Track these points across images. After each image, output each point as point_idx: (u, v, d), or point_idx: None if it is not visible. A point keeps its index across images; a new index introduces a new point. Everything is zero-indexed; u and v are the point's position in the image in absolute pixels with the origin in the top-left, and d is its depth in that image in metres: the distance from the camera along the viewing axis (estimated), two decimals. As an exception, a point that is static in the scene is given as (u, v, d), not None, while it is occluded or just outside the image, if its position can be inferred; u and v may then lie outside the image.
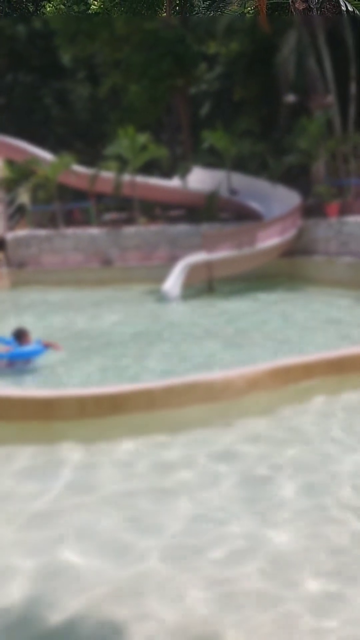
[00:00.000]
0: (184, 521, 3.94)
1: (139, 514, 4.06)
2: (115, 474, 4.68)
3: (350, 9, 16.31)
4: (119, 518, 4.01)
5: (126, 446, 5.07)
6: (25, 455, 5.02)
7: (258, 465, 4.65)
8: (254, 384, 5.80)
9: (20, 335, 7.88)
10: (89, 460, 4.89)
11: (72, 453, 4.96)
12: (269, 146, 17.19)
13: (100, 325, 10.55)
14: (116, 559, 3.56)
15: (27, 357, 7.72)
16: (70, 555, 3.60)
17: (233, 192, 16.88)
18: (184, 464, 4.75)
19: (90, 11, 19.94)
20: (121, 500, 4.25)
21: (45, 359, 7.73)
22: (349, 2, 16.24)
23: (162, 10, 21.23)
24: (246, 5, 17.84)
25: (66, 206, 18.92)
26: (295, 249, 14.59)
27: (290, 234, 14.36)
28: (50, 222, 18.16)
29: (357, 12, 16.33)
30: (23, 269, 16.60)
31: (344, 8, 16.42)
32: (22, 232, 17.79)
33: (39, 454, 5.06)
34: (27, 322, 10.77)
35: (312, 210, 15.07)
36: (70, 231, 17.05)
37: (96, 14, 19.76)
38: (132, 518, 4.01)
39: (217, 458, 4.81)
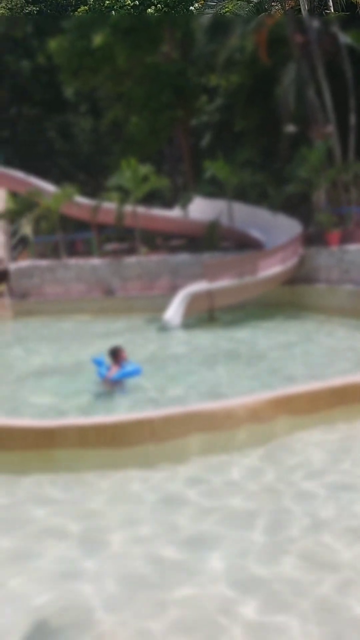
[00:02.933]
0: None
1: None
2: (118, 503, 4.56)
3: (348, 42, 16.65)
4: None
5: (127, 475, 4.96)
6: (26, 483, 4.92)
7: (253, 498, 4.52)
8: (255, 413, 5.69)
9: (116, 354, 7.94)
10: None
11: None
12: (270, 176, 17.32)
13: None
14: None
15: (133, 376, 7.87)
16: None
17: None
18: (183, 495, 4.63)
19: (92, 46, 20.33)
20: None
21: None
22: (347, 36, 16.58)
23: (164, 44, 21.68)
24: (246, 39, 18.18)
25: (68, 237, 19.03)
26: (297, 277, 14.57)
27: (292, 262, 14.35)
28: (53, 252, 18.24)
29: (355, 45, 16.64)
30: (26, 300, 16.61)
31: (342, 41, 16.76)
32: (24, 263, 17.85)
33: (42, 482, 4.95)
34: (42, 351, 10.90)
35: (313, 238, 15.10)
36: (72, 262, 17.10)
37: (99, 48, 20.15)
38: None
39: (215, 489, 4.69)
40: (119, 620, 3.23)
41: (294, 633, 3.05)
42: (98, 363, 8.05)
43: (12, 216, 19.18)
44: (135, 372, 7.89)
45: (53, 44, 21.98)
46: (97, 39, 20.47)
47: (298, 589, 3.39)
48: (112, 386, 7.80)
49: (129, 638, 3.11)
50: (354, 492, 4.51)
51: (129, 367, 7.89)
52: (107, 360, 8.00)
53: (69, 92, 25.95)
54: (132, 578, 3.61)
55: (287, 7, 18.69)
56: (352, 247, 13.82)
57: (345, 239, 14.54)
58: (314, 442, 5.49)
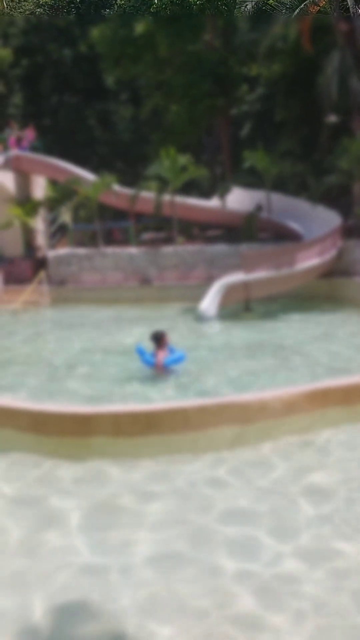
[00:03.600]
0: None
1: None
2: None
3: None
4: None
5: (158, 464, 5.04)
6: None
7: (288, 488, 4.54)
8: (289, 406, 5.69)
9: (159, 339, 7.89)
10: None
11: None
12: (310, 166, 17.13)
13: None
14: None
15: (181, 362, 7.89)
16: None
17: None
18: (213, 484, 4.69)
19: (134, 34, 20.33)
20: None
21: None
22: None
23: (206, 33, 21.53)
24: (289, 27, 17.93)
25: (106, 225, 19.14)
26: (335, 270, 14.41)
27: (330, 255, 14.20)
28: (91, 241, 18.42)
29: None
30: (63, 287, 16.84)
31: (387, 29, 16.39)
32: (63, 251, 18.08)
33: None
34: (86, 337, 11.05)
35: (352, 231, 14.90)
36: (110, 250, 17.24)
37: (140, 36, 20.15)
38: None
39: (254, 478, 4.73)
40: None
41: None
42: (140, 352, 7.98)
43: (52, 204, 19.41)
44: (183, 358, 7.93)
45: (95, 32, 22.07)
46: (139, 27, 20.48)
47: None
48: (164, 372, 7.73)
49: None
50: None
51: (176, 353, 7.93)
52: (149, 346, 7.97)
53: (109, 80, 26.06)
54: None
55: (332, -5, 18.34)
56: (393, 241, 13.60)
57: (386, 232, 14.32)
58: (345, 437, 5.49)
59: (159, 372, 7.77)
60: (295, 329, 11.18)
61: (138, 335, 11.11)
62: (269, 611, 3.23)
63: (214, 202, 18.49)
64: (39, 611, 3.33)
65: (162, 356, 7.74)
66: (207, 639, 3.07)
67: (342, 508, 4.25)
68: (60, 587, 3.53)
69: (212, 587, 3.46)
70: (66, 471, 5.02)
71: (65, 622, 3.27)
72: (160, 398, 7.03)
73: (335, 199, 16.66)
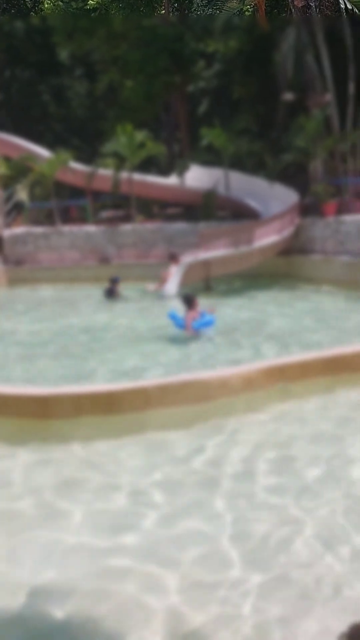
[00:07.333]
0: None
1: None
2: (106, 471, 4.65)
3: (349, 7, 16.32)
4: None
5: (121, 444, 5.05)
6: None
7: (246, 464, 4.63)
8: (249, 382, 5.77)
9: (190, 301, 8.35)
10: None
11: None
12: (267, 144, 17.16)
13: (107, 322, 10.59)
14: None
15: (211, 325, 8.30)
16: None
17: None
18: (174, 463, 4.73)
19: (87, 7, 19.87)
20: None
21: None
22: (348, 1, 16.24)
23: (161, 7, 21.20)
24: (245, 3, 17.81)
25: (63, 203, 18.85)
26: (293, 248, 14.57)
27: (288, 232, 14.33)
28: (47, 219, 18.11)
29: (357, 11, 16.33)
30: (20, 267, 16.55)
31: (343, 6, 16.43)
32: (19, 230, 17.73)
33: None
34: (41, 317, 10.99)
35: (309, 209, 15.05)
36: (67, 229, 17.00)
37: (94, 9, 19.70)
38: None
39: (212, 458, 4.79)
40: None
41: None
42: (172, 317, 8.49)
43: (5, 181, 18.94)
44: (212, 322, 8.37)
45: (47, 4, 21.45)
46: (92, 0, 20.00)
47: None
48: (194, 333, 8.13)
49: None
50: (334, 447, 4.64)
51: (206, 316, 8.35)
52: (180, 311, 8.47)
53: (63, 54, 25.38)
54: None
55: (288, -30, 18.26)
56: (348, 218, 13.80)
57: (342, 209, 14.50)
58: (306, 410, 5.61)
59: (189, 333, 8.19)
60: (255, 306, 11.30)
61: (104, 315, 11.13)
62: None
63: (172, 180, 18.38)
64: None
65: (192, 318, 8.16)
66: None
67: (296, 482, 4.36)
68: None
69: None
70: (26, 454, 4.98)
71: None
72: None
73: (292, 177, 16.76)
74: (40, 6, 22.32)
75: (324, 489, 4.21)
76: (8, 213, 19.98)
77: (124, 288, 12.80)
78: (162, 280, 12.96)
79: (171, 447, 5.01)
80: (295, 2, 16.80)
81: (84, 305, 12.40)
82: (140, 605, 3.13)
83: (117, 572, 3.43)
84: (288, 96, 17.41)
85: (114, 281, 12.46)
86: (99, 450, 5.01)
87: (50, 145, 19.39)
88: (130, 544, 3.68)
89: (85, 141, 24.24)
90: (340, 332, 8.88)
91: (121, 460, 4.85)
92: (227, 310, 10.61)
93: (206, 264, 13.22)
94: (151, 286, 12.98)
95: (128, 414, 5.46)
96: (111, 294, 12.37)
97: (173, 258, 13.13)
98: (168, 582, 3.30)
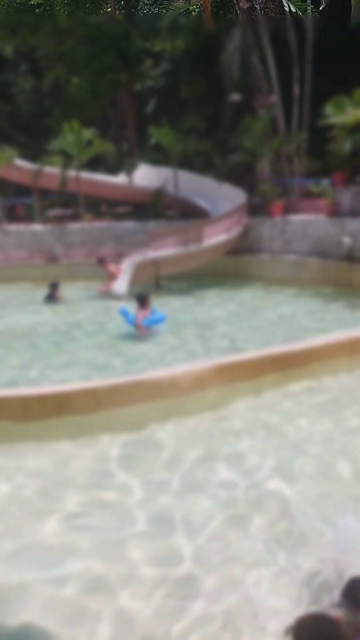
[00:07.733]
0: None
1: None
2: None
3: (293, 10, 16.58)
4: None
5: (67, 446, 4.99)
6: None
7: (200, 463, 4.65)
8: (199, 381, 5.80)
9: (144, 300, 8.57)
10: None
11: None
12: (215, 145, 17.28)
13: (54, 321, 10.42)
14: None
15: (161, 323, 8.55)
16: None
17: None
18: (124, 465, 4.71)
19: (32, 2, 19.55)
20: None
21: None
22: (291, 3, 16.51)
23: (107, 5, 21.05)
24: (191, 3, 17.86)
25: (8, 201, 18.48)
26: (241, 247, 14.71)
27: (236, 231, 14.47)
28: (-8, 217, 17.70)
29: (300, 14, 16.61)
30: (-36, 266, 16.12)
31: (287, 9, 16.68)
32: None
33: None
34: None
35: (257, 209, 15.23)
36: (13, 227, 16.67)
37: (38, 5, 19.39)
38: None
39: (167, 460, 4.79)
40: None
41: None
42: (123, 313, 8.70)
43: None
44: (163, 319, 8.59)
45: (-10, -2, 20.96)
46: (37, -5, 19.69)
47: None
48: (144, 331, 8.36)
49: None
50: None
51: (156, 313, 8.59)
52: (132, 308, 8.67)
53: (7, 50, 24.87)
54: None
55: (234, -29, 18.41)
56: (294, 218, 14.04)
57: (288, 210, 14.74)
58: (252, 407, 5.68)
59: (140, 331, 8.40)
60: (205, 304, 11.37)
61: (46, 315, 10.96)
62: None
63: (120, 179, 18.28)
64: None
65: (142, 316, 8.41)
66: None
67: (247, 476, 4.42)
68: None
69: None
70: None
71: None
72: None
73: (240, 177, 16.92)
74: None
75: (270, 482, 4.29)
76: None
77: (72, 288, 12.63)
78: (111, 276, 12.90)
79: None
80: (241, 4, 16.95)
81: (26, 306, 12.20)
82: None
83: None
84: (235, 97, 17.57)
85: (54, 286, 12.24)
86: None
87: (-6, 142, 18.95)
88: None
89: (31, 138, 23.81)
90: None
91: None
92: (176, 307, 10.66)
93: (156, 262, 13.21)
94: (103, 287, 12.85)
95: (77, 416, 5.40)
96: (51, 299, 12.12)
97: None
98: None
